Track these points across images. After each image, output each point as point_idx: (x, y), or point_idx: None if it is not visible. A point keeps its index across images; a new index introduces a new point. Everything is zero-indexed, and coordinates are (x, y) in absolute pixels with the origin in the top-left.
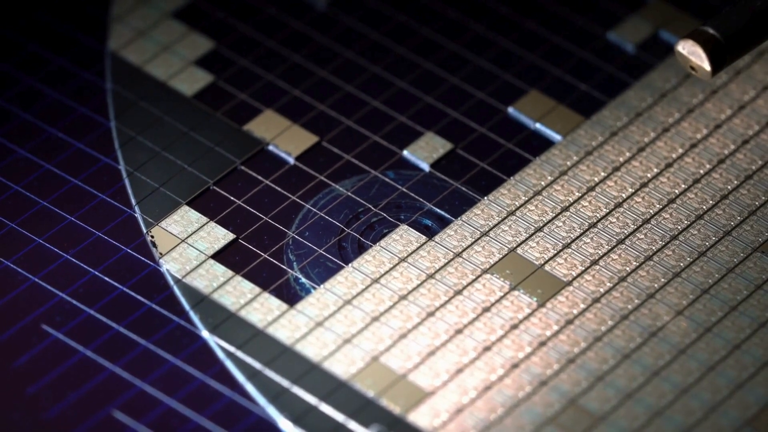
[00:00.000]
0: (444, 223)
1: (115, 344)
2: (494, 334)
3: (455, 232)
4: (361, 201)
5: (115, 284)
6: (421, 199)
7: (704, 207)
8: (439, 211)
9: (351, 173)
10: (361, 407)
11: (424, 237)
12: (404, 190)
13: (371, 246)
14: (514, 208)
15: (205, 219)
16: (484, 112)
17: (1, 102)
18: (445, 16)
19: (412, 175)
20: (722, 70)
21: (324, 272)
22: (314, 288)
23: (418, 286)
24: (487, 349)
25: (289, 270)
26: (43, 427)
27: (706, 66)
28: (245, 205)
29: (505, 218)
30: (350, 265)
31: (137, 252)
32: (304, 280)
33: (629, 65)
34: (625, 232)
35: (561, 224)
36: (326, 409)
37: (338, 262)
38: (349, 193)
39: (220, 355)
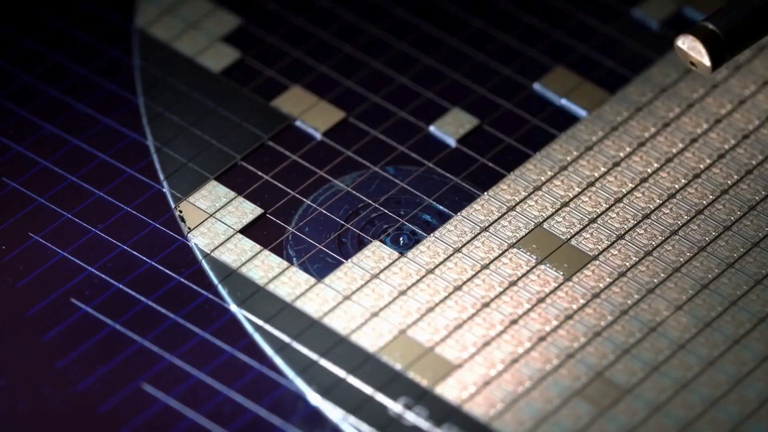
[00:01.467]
0: (444, 219)
1: (144, 318)
2: (521, 308)
3: (482, 206)
4: (361, 197)
5: (144, 258)
6: (421, 195)
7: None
8: (438, 206)
9: (351, 169)
10: (389, 380)
11: (452, 212)
12: (404, 185)
13: (371, 241)
14: (540, 184)
15: (233, 194)
16: (510, 88)
17: (30, 78)
18: None
19: (412, 170)
20: (722, 65)
21: (324, 268)
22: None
23: (445, 260)
24: (514, 322)
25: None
26: (73, 400)
27: (706, 61)
28: (273, 180)
29: (531, 193)
30: (350, 260)
31: (165, 227)
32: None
33: (654, 41)
34: (651, 207)
35: (587, 199)
36: (354, 381)
37: (338, 257)
38: (349, 189)
39: (249, 328)
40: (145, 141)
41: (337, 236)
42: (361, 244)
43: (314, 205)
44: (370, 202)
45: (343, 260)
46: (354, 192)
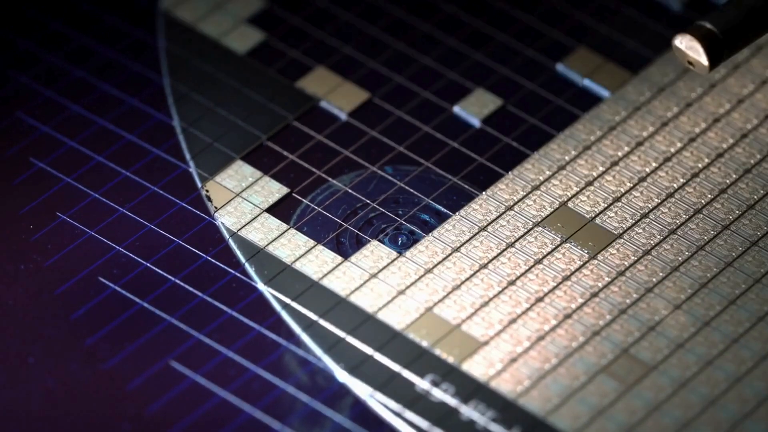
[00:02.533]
0: (442, 218)
1: (171, 296)
2: (547, 286)
3: (506, 186)
4: (359, 196)
5: (171, 237)
6: (419, 194)
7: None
8: (437, 206)
9: (349, 169)
10: (416, 357)
11: (475, 191)
12: (402, 185)
13: (369, 241)
14: (564, 163)
15: (259, 173)
16: (533, 68)
17: (56, 59)
18: None
19: (410, 170)
20: (720, 65)
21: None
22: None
23: (471, 238)
24: (540, 300)
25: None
26: (101, 377)
27: (704, 61)
28: (298, 160)
29: (555, 173)
30: (376, 239)
31: (192, 206)
32: None
33: (676, 22)
34: (674, 185)
35: (611, 178)
36: (381, 358)
37: (336, 256)
38: (348, 189)
39: (276, 306)
40: (171, 121)
41: (336, 236)
42: (359, 244)
43: (312, 205)
44: (368, 201)
45: (342, 258)
46: (352, 192)
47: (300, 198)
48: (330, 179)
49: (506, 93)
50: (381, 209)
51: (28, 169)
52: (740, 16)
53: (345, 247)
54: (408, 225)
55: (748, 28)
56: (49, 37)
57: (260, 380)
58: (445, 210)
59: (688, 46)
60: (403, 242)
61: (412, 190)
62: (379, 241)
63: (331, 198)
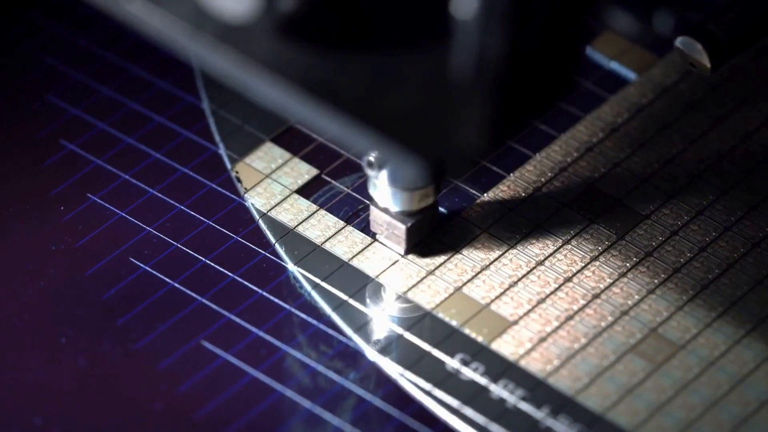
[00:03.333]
0: (443, 219)
1: (202, 276)
2: (575, 266)
3: (534, 167)
4: (361, 198)
5: (202, 218)
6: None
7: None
8: (439, 208)
9: (351, 170)
10: (446, 336)
11: (503, 173)
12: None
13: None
14: (591, 145)
15: (288, 155)
16: None
17: (85, 42)
18: None
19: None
20: (722, 67)
21: (323, 270)
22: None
23: (499, 219)
24: (569, 280)
25: (287, 266)
26: (133, 357)
27: (706, 62)
28: (327, 142)
29: (582, 154)
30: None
31: (222, 187)
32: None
33: (702, 5)
34: (700, 168)
35: (638, 160)
36: (411, 338)
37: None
38: (349, 191)
39: (306, 286)
40: (201, 104)
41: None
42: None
43: (315, 206)
44: (369, 201)
45: (344, 260)
46: (354, 194)
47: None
48: (332, 181)
49: None
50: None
51: (59, 151)
52: (743, 18)
53: None
54: None
55: (751, 29)
56: (79, 20)
57: (290, 359)
58: (474, 192)
59: (689, 47)
60: None
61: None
62: (381, 243)
63: (333, 200)
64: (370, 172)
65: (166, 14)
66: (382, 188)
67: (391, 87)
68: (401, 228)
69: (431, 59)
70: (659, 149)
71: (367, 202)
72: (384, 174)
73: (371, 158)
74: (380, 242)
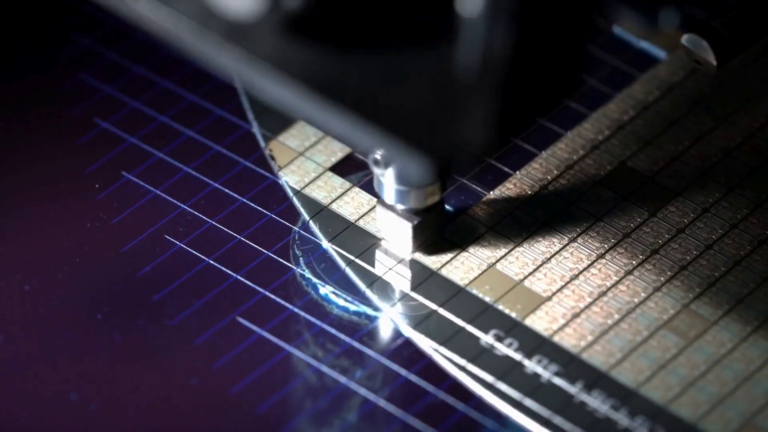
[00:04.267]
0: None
1: (236, 253)
2: (608, 243)
3: (565, 145)
4: (368, 195)
5: (236, 196)
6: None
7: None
8: (445, 206)
9: (357, 168)
10: (479, 312)
11: (536, 150)
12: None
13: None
14: (623, 123)
15: (321, 133)
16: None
17: (117, 21)
18: None
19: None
20: (728, 64)
21: (330, 268)
22: (321, 285)
23: (532, 197)
24: (601, 256)
25: (294, 267)
26: (168, 332)
27: (712, 60)
28: None
29: (614, 132)
30: None
31: (256, 165)
32: (310, 275)
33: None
34: (731, 145)
35: (669, 138)
36: (445, 313)
37: (345, 253)
38: (356, 188)
39: (340, 263)
40: (234, 82)
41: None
42: None
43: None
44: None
45: (350, 257)
46: (360, 191)
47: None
48: (339, 178)
49: None
50: None
51: (93, 130)
52: (749, 15)
53: None
54: None
55: (756, 27)
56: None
57: (326, 335)
58: (503, 167)
59: (695, 45)
60: None
61: None
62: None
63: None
64: (376, 171)
65: (172, 13)
66: (388, 186)
67: (397, 85)
68: (407, 226)
69: (437, 57)
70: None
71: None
72: (390, 172)
73: (377, 156)
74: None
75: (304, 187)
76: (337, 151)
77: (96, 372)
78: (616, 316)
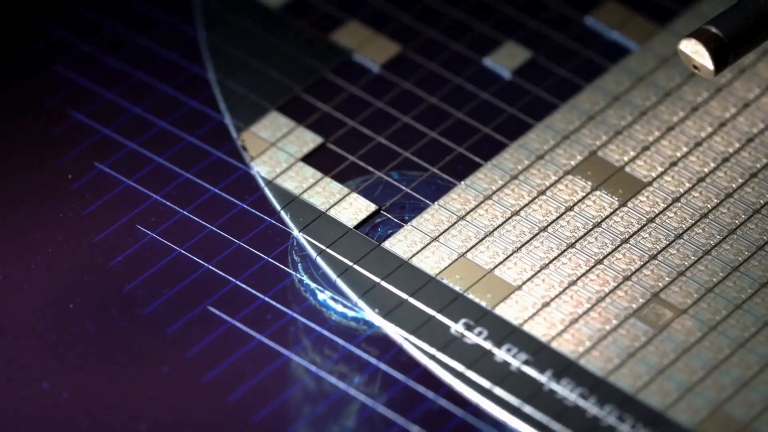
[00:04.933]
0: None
1: (208, 243)
2: (578, 232)
3: (537, 135)
4: (399, 186)
5: (208, 186)
6: (425, 200)
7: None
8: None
9: (355, 174)
10: (450, 301)
11: (508, 140)
12: (408, 191)
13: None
14: (593, 113)
15: (293, 123)
16: (562, 21)
17: (92, 13)
18: None
19: (417, 176)
20: (725, 69)
21: (323, 276)
22: (319, 290)
23: (503, 186)
24: (571, 246)
25: (293, 272)
26: (140, 322)
27: (709, 65)
28: (332, 111)
29: (585, 122)
30: (408, 188)
31: (228, 156)
32: (308, 281)
33: None
34: (702, 135)
35: (639, 128)
36: (415, 303)
37: (344, 260)
38: (355, 194)
39: (311, 252)
40: (206, 74)
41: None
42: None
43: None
44: (374, 207)
45: (350, 263)
46: (359, 196)
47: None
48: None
49: (536, 45)
50: (387, 215)
51: (67, 121)
52: (746, 20)
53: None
54: None
55: (755, 32)
56: None
57: (295, 325)
58: (478, 160)
59: (693, 50)
60: None
61: (418, 196)
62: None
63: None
64: None
65: None
66: None
67: None
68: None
69: None
70: (660, 117)
71: (406, 189)
72: None
73: None
74: (383, 212)
75: (275, 178)
76: (309, 142)
77: (68, 361)
78: (586, 305)
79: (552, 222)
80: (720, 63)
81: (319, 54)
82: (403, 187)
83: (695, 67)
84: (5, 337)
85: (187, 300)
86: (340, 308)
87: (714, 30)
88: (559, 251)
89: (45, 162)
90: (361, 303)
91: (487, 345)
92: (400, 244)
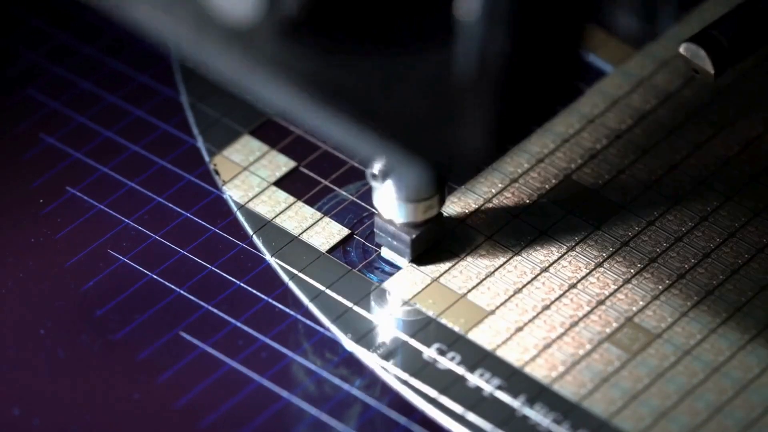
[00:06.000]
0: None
1: (180, 268)
2: (551, 256)
3: (511, 158)
4: (366, 206)
5: (180, 210)
6: None
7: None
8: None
9: (356, 178)
10: (423, 326)
11: (507, 178)
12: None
13: (377, 250)
14: (568, 136)
15: (266, 147)
16: None
17: (64, 37)
18: None
19: None
20: (725, 73)
21: (328, 276)
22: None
23: (476, 210)
24: (545, 270)
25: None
26: (112, 347)
27: (709, 69)
28: (305, 135)
29: (559, 145)
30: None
31: (200, 180)
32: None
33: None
34: (677, 157)
35: (615, 151)
36: (388, 328)
37: (343, 265)
38: (354, 198)
39: (284, 277)
40: (179, 97)
41: (342, 245)
42: (365, 253)
43: (319, 213)
44: (374, 211)
45: (349, 267)
46: (359, 201)
47: (333, 186)
48: (336, 188)
49: None
50: (359, 239)
51: (38, 145)
52: (746, 24)
53: (351, 256)
54: None
55: (755, 36)
56: (58, 14)
57: (268, 350)
58: (452, 184)
59: (693, 54)
60: None
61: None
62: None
63: (337, 207)
64: (374, 184)
65: (170, 19)
66: (386, 200)
67: (394, 90)
68: (406, 239)
69: (434, 61)
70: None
71: (372, 209)
72: (388, 185)
73: (375, 171)
74: (357, 237)
75: (247, 202)
76: (281, 166)
77: (39, 387)
78: (560, 329)
79: (525, 246)
80: (720, 67)
81: None
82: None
83: (695, 70)
84: None
85: (159, 325)
86: None
87: (714, 34)
88: (533, 275)
89: (16, 187)
90: (333, 328)
91: (460, 370)
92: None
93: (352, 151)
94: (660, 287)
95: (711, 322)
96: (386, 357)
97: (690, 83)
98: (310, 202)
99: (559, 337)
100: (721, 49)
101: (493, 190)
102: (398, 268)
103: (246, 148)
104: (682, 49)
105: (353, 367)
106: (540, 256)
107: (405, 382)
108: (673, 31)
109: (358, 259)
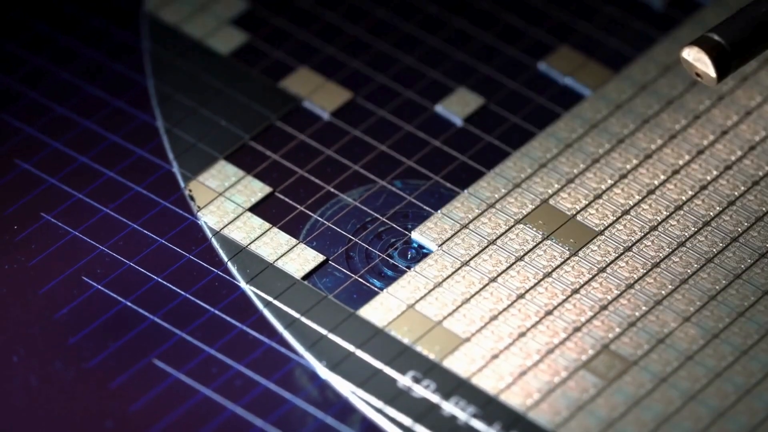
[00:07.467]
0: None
1: (154, 295)
2: (528, 282)
3: (488, 183)
4: (369, 211)
5: (154, 237)
6: (428, 209)
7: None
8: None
9: (358, 183)
10: (398, 354)
11: (458, 189)
12: (411, 199)
13: (380, 255)
14: (545, 161)
15: (242, 173)
16: (515, 67)
17: (39, 61)
18: None
19: (420, 184)
20: (727, 76)
21: (331, 282)
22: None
23: (453, 236)
24: (521, 296)
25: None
26: (85, 375)
27: (712, 73)
28: (281, 160)
29: (537, 170)
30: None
31: (175, 206)
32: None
33: (657, 20)
34: (655, 183)
35: (592, 176)
36: (363, 355)
37: (345, 271)
38: (357, 203)
39: (258, 304)
40: (155, 122)
41: (345, 250)
42: (368, 258)
43: (322, 220)
44: (377, 216)
45: (351, 275)
46: (361, 206)
47: (308, 212)
48: (339, 194)
49: (488, 92)
50: (390, 223)
51: (13, 170)
52: (748, 28)
53: (354, 261)
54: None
55: (756, 39)
56: (33, 39)
57: (242, 378)
58: (431, 209)
59: (695, 58)
60: (412, 256)
61: (421, 204)
62: (389, 255)
63: (340, 212)
64: None
65: None
66: None
67: None
68: None
69: None
70: (612, 165)
71: (374, 214)
72: None
73: None
74: (332, 263)
75: (222, 228)
76: (257, 192)
77: (11, 414)
78: (536, 357)
79: (502, 272)
80: (722, 71)
81: (269, 101)
82: (352, 237)
83: (698, 74)
84: None
85: (132, 353)
86: None
87: (716, 38)
88: (509, 302)
89: None
90: (308, 355)
91: (435, 398)
92: (348, 295)
93: None
94: (637, 314)
95: (687, 349)
96: (361, 385)
97: (667, 108)
98: (285, 229)
99: (535, 364)
100: (724, 53)
101: (470, 216)
102: (402, 273)
103: (221, 174)
104: (684, 54)
105: (328, 394)
106: (516, 282)
107: (379, 410)
108: (651, 53)
109: (361, 264)
